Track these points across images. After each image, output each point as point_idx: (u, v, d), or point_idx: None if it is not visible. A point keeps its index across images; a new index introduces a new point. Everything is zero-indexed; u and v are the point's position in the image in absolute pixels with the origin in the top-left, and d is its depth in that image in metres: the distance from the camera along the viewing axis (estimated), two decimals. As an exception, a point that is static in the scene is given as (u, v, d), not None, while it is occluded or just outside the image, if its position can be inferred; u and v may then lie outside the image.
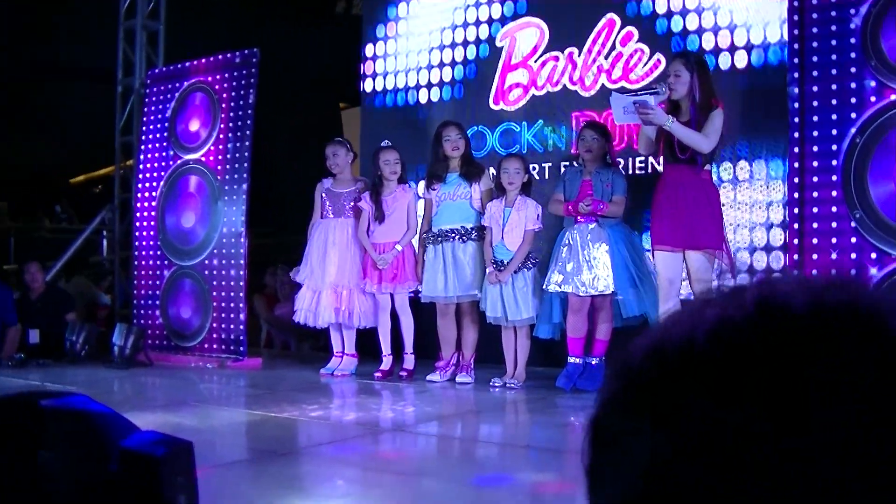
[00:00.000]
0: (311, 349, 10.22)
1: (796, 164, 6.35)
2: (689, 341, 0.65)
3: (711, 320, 0.66)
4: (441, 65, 9.34)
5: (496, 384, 7.14)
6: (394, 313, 7.77)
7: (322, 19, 15.51)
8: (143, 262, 9.40)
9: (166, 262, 9.18)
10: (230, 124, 8.87)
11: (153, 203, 9.36)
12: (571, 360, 6.99)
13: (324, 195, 8.01)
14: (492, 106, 8.97)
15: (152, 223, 9.36)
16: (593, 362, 6.95)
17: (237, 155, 8.76)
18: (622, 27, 8.28)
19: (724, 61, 7.75)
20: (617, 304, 6.91)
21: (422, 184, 8.17)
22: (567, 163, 8.36)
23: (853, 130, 6.15)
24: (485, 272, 7.29)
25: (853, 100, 6.18)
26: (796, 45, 6.43)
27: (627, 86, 7.97)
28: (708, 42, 7.84)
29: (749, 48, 7.67)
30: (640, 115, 6.28)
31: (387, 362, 7.75)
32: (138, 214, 9.54)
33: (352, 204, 7.92)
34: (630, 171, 7.93)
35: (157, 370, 8.48)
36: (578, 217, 6.94)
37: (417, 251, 7.75)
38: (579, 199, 6.95)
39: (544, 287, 7.05)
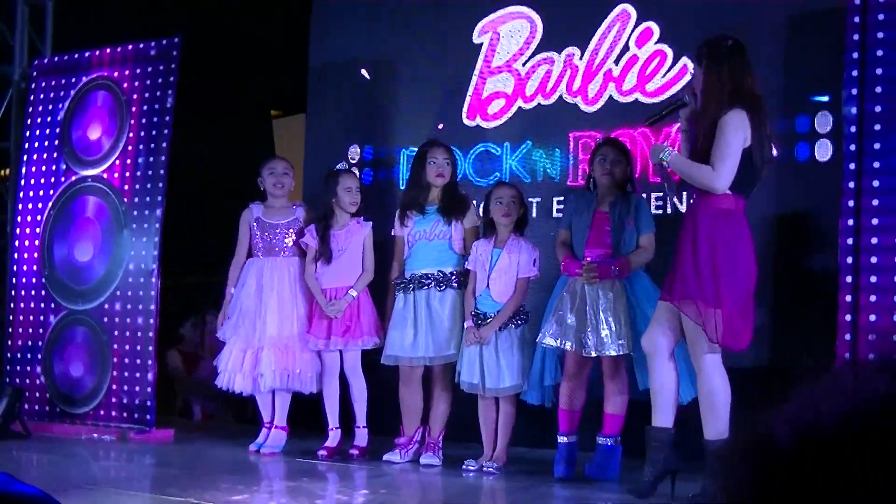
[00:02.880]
0: (235, 420, 10.27)
1: (851, 203, 6.52)
2: (843, 423, 0.77)
3: (864, 400, 0.78)
4: (404, 67, 9.44)
5: (470, 467, 7.22)
6: (342, 377, 7.86)
7: (251, 10, 15.58)
8: (22, 305, 9.41)
9: (52, 306, 9.19)
10: (142, 133, 8.93)
11: (37, 229, 9.38)
12: (561, 438, 7.02)
13: (254, 225, 8.09)
14: (465, 121, 9.03)
15: (35, 255, 9.38)
16: (606, 442, 6.98)
17: (150, 172, 8.82)
18: (638, 22, 8.40)
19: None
20: (632, 373, 6.92)
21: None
22: (561, 197, 8.44)
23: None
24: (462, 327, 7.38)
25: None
26: (855, 73, 6.62)
27: (646, 102, 8.13)
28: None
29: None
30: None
31: (333, 437, 7.82)
32: (17, 243, 9.54)
33: (290, 238, 8.03)
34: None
35: (38, 443, 8.46)
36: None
37: (388, 300, 7.83)
38: (591, 236, 7.01)
39: (537, 341, 7.07)
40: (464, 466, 7.26)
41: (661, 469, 5.82)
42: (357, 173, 8.36)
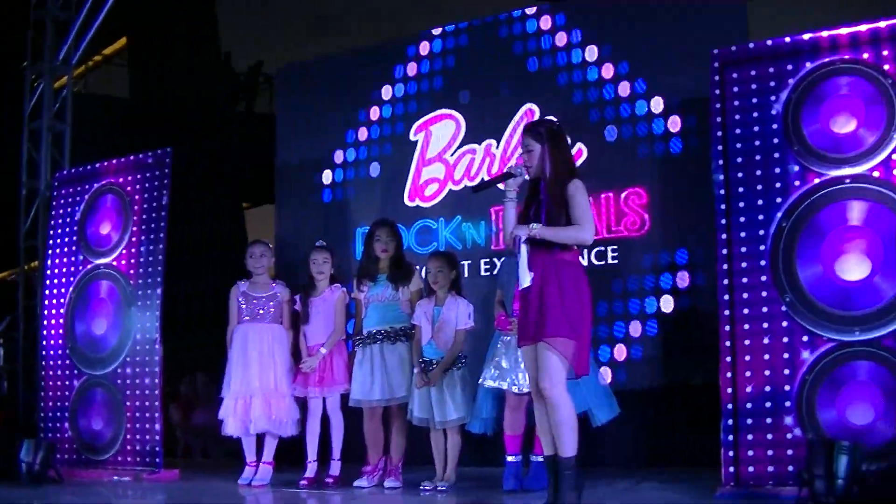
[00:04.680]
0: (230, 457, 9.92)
1: (724, 251, 6.33)
2: None
3: None
4: (356, 161, 9.30)
5: (426, 487, 6.92)
6: (325, 416, 7.56)
7: (224, 119, 15.47)
8: (51, 372, 9.03)
9: (76, 372, 8.83)
10: (143, 227, 8.63)
11: (61, 310, 9.05)
12: (510, 458, 6.80)
13: (240, 299, 7.79)
14: (407, 202, 8.94)
15: (61, 331, 9.03)
16: (540, 459, 6.70)
17: (150, 258, 8.52)
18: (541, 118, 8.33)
19: (645, 150, 7.90)
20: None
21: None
22: (487, 259, 8.38)
23: (779, 215, 6.17)
24: (413, 374, 7.13)
25: (778, 184, 6.21)
26: (719, 133, 6.46)
27: (485, 177, 8.08)
28: (628, 131, 7.98)
29: (669, 136, 7.82)
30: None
31: (311, 469, 7.48)
32: (45, 322, 9.18)
33: (271, 308, 7.73)
34: (587, 262, 7.92)
35: (70, 487, 8.06)
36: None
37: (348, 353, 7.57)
38: (517, 297, 6.80)
39: (480, 382, 6.89)
40: (421, 487, 6.96)
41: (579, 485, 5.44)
42: (328, 249, 7.94)
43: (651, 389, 7.71)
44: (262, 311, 7.72)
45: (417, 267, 7.68)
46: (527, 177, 5.58)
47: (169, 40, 15.23)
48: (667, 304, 7.81)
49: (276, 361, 7.64)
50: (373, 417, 7.33)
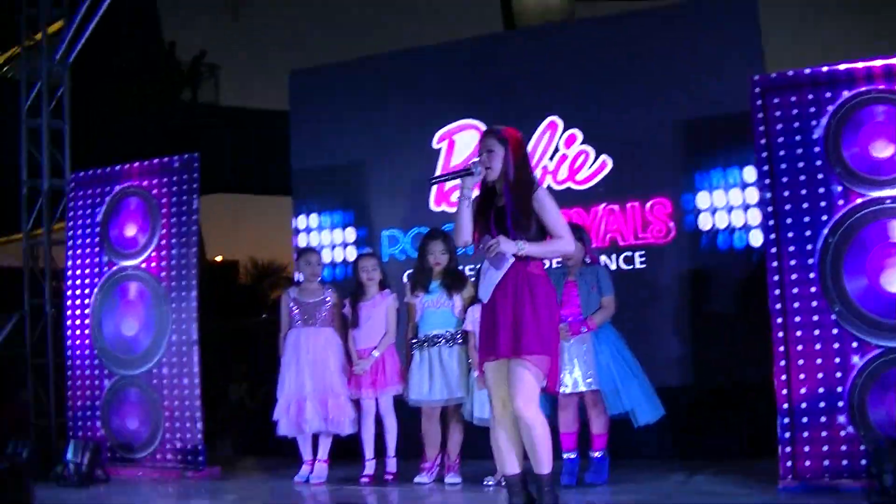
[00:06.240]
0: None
1: (774, 263, 6.87)
2: None
3: None
4: (379, 164, 9.67)
5: (489, 482, 7.33)
6: (378, 416, 7.91)
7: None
8: (78, 372, 9.18)
9: (106, 372, 9.01)
10: (173, 230, 8.86)
11: (86, 311, 9.20)
12: (566, 455, 7.26)
13: (291, 305, 8.11)
14: (433, 207, 9.29)
15: (86, 331, 9.19)
16: (597, 455, 7.25)
17: (182, 261, 8.76)
18: (565, 129, 8.78)
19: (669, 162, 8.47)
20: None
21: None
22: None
23: (825, 231, 6.72)
24: (469, 375, 7.51)
25: (823, 203, 6.77)
26: (764, 154, 7.00)
27: (577, 189, 8.55)
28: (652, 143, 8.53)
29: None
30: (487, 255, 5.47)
31: (370, 466, 7.83)
32: (70, 322, 9.33)
33: (323, 313, 8.06)
34: (615, 267, 8.47)
35: (118, 486, 8.29)
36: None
37: (405, 356, 7.88)
38: (564, 303, 7.25)
39: None
40: (484, 482, 7.35)
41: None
42: (375, 255, 8.36)
43: (683, 388, 8.22)
44: (314, 316, 8.04)
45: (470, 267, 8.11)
46: (487, 177, 5.50)
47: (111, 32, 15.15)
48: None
49: (330, 363, 7.95)
50: (431, 417, 7.69)
